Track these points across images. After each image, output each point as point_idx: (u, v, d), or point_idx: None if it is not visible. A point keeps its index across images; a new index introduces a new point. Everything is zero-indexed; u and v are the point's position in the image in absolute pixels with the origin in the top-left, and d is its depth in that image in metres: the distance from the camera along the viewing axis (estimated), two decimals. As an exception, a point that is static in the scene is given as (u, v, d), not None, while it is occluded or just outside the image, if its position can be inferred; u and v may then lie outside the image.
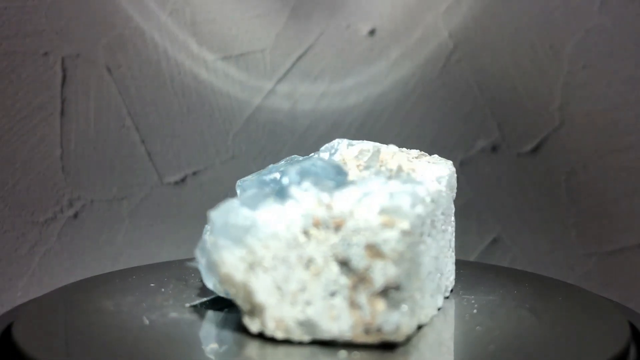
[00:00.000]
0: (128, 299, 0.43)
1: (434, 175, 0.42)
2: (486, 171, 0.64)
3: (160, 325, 0.39)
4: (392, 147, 0.44)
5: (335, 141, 0.45)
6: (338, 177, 0.38)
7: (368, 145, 0.43)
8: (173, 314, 0.40)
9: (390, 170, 0.42)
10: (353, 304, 0.35)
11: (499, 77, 0.63)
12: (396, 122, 0.64)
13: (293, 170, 0.37)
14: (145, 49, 0.62)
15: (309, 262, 0.35)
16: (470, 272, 0.48)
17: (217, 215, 0.36)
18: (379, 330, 0.34)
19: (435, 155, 0.45)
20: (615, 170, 0.63)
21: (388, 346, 0.35)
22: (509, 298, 0.43)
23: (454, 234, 0.44)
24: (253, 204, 0.36)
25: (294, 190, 0.36)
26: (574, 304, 0.43)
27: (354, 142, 0.45)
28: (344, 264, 0.35)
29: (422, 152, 0.45)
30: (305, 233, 0.35)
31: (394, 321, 0.34)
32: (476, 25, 0.63)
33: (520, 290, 0.45)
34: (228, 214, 0.36)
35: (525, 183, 0.64)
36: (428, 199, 0.37)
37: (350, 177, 0.41)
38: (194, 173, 0.63)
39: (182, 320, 0.39)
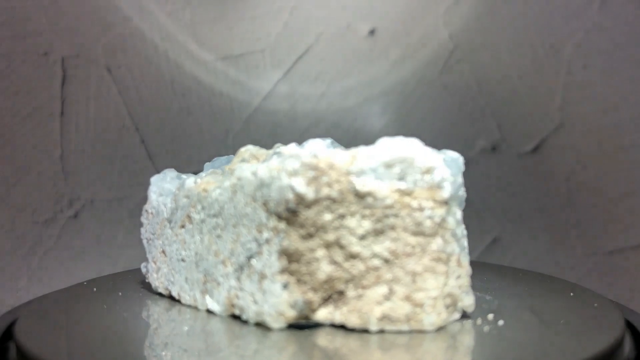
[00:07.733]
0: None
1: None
2: (486, 171, 0.64)
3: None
4: (253, 149, 0.47)
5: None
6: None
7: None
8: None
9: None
10: None
11: (499, 77, 0.63)
12: (396, 122, 0.64)
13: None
14: (145, 49, 0.62)
15: None
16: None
17: None
18: None
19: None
20: (615, 170, 0.63)
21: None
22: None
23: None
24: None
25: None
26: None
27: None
28: None
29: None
30: None
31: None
32: (476, 26, 0.63)
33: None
34: None
35: (525, 183, 0.64)
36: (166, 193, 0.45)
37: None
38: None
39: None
